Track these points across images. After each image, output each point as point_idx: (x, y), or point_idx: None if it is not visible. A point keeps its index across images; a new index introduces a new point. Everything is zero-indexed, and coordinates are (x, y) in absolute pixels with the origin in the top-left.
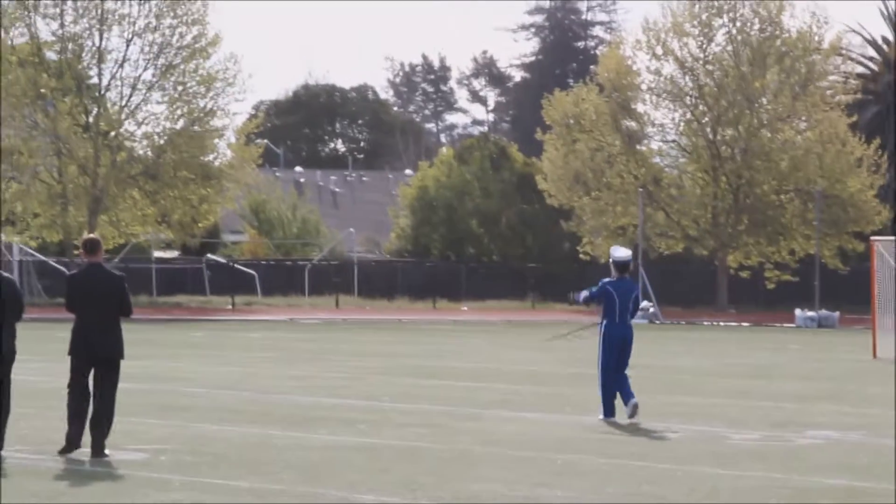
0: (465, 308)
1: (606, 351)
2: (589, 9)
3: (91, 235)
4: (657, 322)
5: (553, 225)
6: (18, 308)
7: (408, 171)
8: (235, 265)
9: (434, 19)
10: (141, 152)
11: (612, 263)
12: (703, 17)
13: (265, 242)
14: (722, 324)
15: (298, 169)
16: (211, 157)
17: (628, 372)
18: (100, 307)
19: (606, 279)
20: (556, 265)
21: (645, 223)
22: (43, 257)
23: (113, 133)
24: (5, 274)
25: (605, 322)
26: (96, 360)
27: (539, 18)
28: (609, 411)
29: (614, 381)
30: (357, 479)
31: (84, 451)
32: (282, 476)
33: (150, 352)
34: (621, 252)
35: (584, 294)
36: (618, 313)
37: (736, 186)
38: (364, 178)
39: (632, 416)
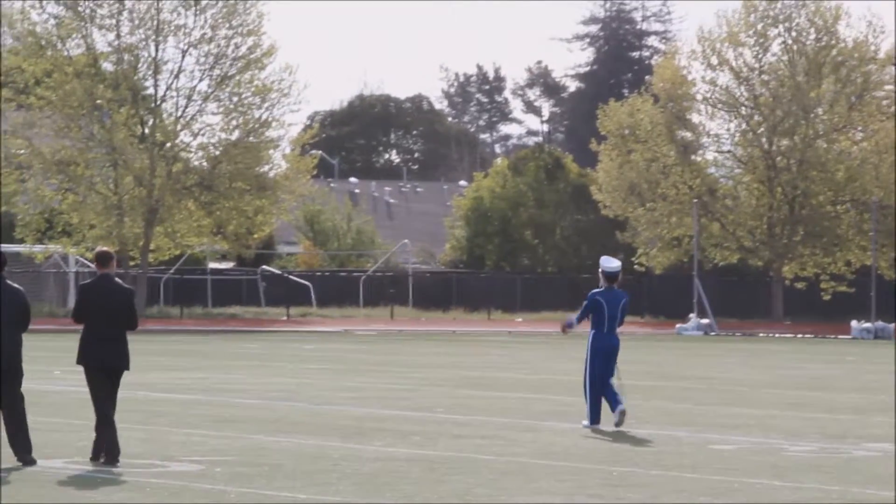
0: (520, 319)
1: (594, 360)
2: (644, 18)
3: (103, 248)
4: (713, 333)
5: (608, 236)
6: (25, 318)
7: (462, 182)
8: (290, 276)
9: (489, 29)
10: (196, 163)
11: (602, 274)
12: (759, 26)
13: (320, 253)
14: (777, 335)
15: (353, 180)
16: (266, 167)
17: (618, 382)
18: (108, 318)
19: (595, 290)
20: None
21: (700, 234)
22: None
23: (168, 144)
24: (13, 284)
25: (593, 332)
26: (103, 368)
27: (594, 28)
28: (595, 418)
29: (600, 389)
30: (412, 491)
31: (130, 461)
32: (337, 487)
33: (205, 363)
34: (612, 263)
35: (577, 316)
36: (606, 323)
37: (791, 197)
38: (419, 189)
39: (618, 423)
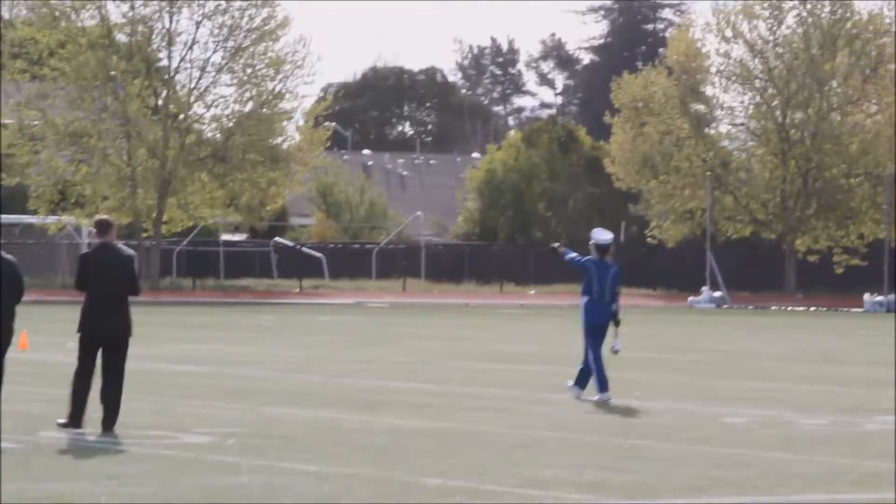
0: (533, 292)
1: (585, 332)
2: None
3: (103, 216)
4: (725, 306)
5: (621, 208)
6: (18, 290)
7: (475, 155)
8: (303, 248)
9: (503, 2)
10: (210, 135)
11: (594, 246)
12: None
13: (333, 226)
14: (790, 308)
15: (366, 152)
16: (279, 139)
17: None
18: (109, 286)
19: (588, 257)
20: (623, 248)
21: (713, 207)
22: None
23: (182, 116)
24: (7, 256)
25: (585, 299)
26: (104, 337)
27: (608, 1)
28: (603, 387)
29: (593, 363)
30: (425, 463)
31: (143, 433)
32: (349, 459)
33: (218, 335)
34: (603, 235)
35: (572, 255)
36: (595, 291)
37: (805, 170)
38: (432, 162)
39: (587, 397)
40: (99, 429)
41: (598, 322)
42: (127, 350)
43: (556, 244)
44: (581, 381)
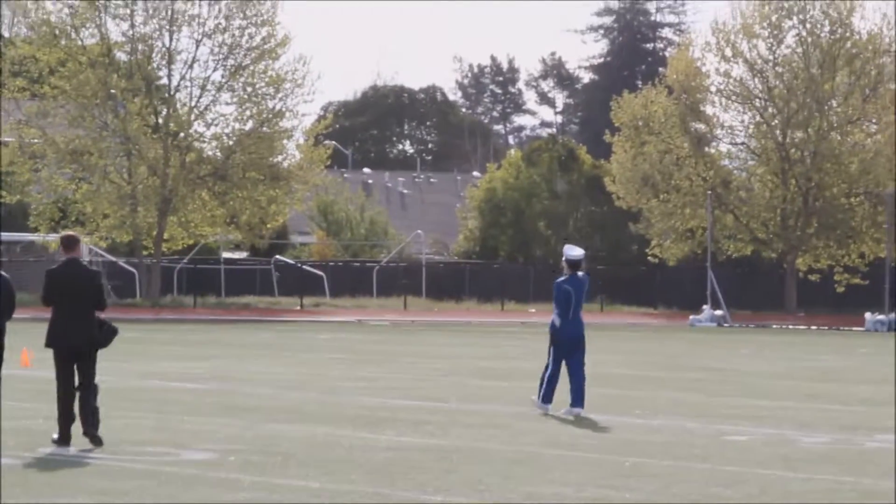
0: (533, 310)
1: (558, 348)
2: (658, 10)
3: (69, 232)
4: (726, 325)
5: (621, 227)
6: (10, 306)
7: (476, 173)
8: (304, 266)
9: (503, 21)
10: (210, 153)
11: (566, 262)
12: (773, 18)
13: (333, 244)
14: (791, 327)
15: (366, 170)
16: (279, 158)
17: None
18: (75, 301)
19: (560, 278)
20: (624, 267)
21: (714, 226)
22: (113, 258)
23: (182, 134)
24: (0, 272)
25: (559, 320)
26: (72, 351)
27: (608, 20)
28: (548, 399)
29: (571, 376)
30: (425, 480)
31: (143, 449)
32: (350, 476)
33: (218, 352)
34: (575, 251)
35: (557, 314)
36: (572, 310)
37: (805, 189)
38: (432, 180)
39: (567, 414)
40: (87, 444)
41: (577, 335)
42: (95, 362)
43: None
44: (547, 397)
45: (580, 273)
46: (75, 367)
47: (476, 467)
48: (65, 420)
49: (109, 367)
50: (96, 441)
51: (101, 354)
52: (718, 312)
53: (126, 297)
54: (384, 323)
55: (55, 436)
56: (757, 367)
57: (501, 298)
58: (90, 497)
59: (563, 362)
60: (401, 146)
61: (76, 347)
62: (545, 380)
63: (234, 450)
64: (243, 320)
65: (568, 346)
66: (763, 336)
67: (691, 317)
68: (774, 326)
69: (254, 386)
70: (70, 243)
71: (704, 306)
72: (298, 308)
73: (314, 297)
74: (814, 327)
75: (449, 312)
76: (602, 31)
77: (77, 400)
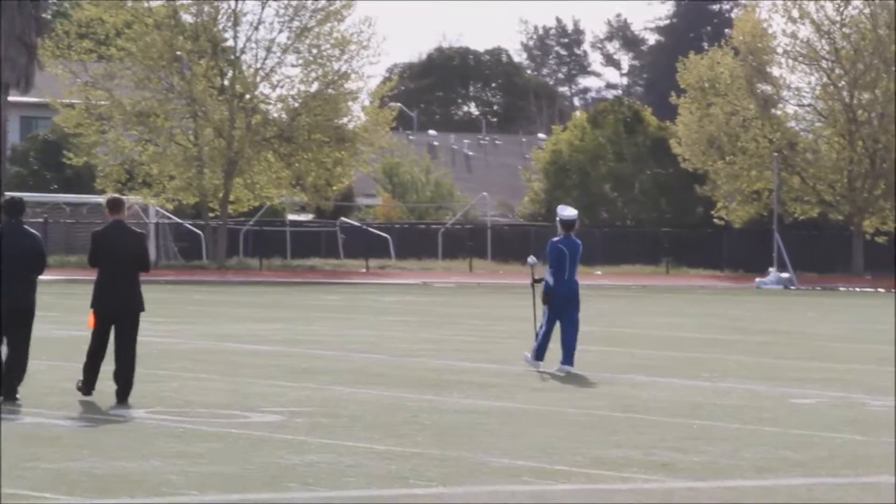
0: (599, 272)
1: (552, 307)
2: None
3: (114, 194)
4: (792, 288)
5: (687, 189)
6: (40, 263)
7: (541, 135)
8: (369, 228)
9: None
10: (276, 115)
11: (560, 222)
12: None
13: (399, 206)
14: (858, 289)
15: (432, 132)
16: (345, 120)
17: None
18: (121, 263)
19: (554, 238)
20: (690, 230)
21: (780, 188)
22: (179, 220)
23: (248, 96)
24: (30, 229)
25: (553, 279)
26: (116, 313)
27: None
28: (539, 356)
29: (563, 334)
30: (491, 443)
31: (213, 411)
32: (416, 438)
33: (285, 315)
34: (569, 212)
35: (548, 269)
36: (567, 269)
37: (873, 150)
38: (497, 142)
39: (559, 371)
40: (168, 406)
41: (570, 294)
42: (137, 325)
43: (530, 259)
44: (539, 354)
45: (573, 235)
46: (113, 327)
47: (543, 430)
48: (91, 373)
49: (177, 329)
50: (125, 401)
51: (171, 316)
52: (785, 275)
53: (192, 259)
54: (450, 285)
55: (80, 382)
56: (824, 329)
57: None
58: (164, 459)
59: (557, 321)
60: (466, 108)
61: (119, 309)
62: (539, 337)
63: (301, 412)
64: (309, 282)
65: (561, 305)
66: (830, 299)
67: (757, 279)
68: (841, 289)
69: (321, 348)
70: (115, 205)
71: (771, 269)
72: (364, 270)
73: (380, 260)
74: (881, 290)
75: (514, 275)
76: None
77: (116, 361)
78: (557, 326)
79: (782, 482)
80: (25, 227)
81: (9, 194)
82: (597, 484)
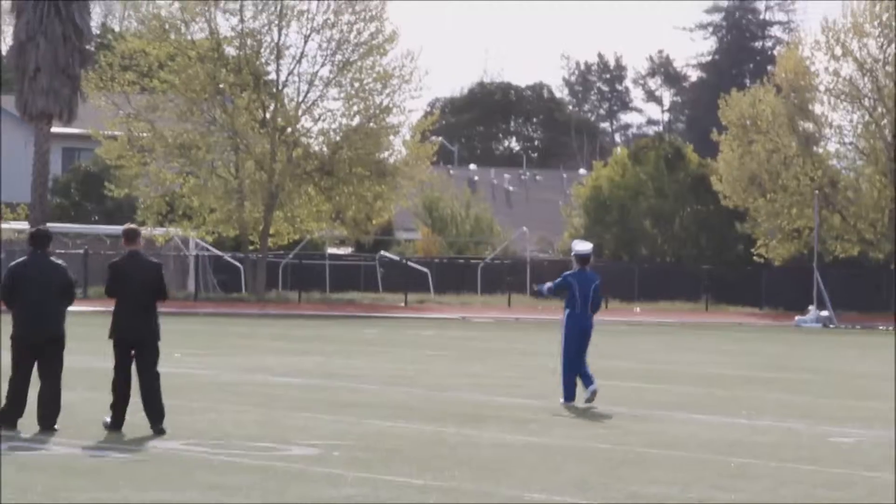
0: (638, 309)
1: (568, 340)
2: (767, 8)
3: (131, 225)
4: (832, 326)
5: (727, 226)
6: (69, 294)
7: (582, 171)
8: (408, 263)
9: (610, 18)
10: (317, 148)
11: (574, 256)
12: (884, 17)
13: (438, 240)
14: None
15: (472, 167)
16: (386, 154)
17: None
18: (138, 293)
19: (568, 272)
20: (729, 267)
21: (821, 226)
22: (219, 252)
23: (289, 129)
24: (56, 261)
25: (567, 312)
26: (133, 342)
27: (716, 17)
28: (569, 396)
29: (576, 367)
30: (529, 478)
31: (249, 444)
32: (454, 473)
33: (323, 348)
34: (583, 246)
35: (549, 285)
36: (578, 303)
37: None
38: (538, 177)
39: (589, 400)
40: (204, 439)
41: (583, 329)
42: (157, 353)
43: (535, 287)
44: (587, 384)
45: (588, 269)
46: (133, 356)
47: (580, 466)
48: (120, 405)
49: (216, 361)
50: (159, 431)
51: (209, 348)
52: (824, 313)
53: (232, 291)
54: (488, 320)
55: (107, 419)
56: (864, 368)
57: (606, 297)
58: (201, 492)
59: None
60: (507, 143)
61: (137, 338)
62: (563, 375)
63: (339, 445)
64: (348, 316)
65: (577, 336)
66: (869, 337)
67: (797, 317)
68: (881, 328)
69: (359, 382)
70: (131, 236)
71: (810, 307)
72: (402, 304)
73: (419, 294)
74: None
75: (553, 311)
76: (710, 29)
77: (141, 390)
78: None
79: None
80: (52, 258)
81: (37, 227)
82: None
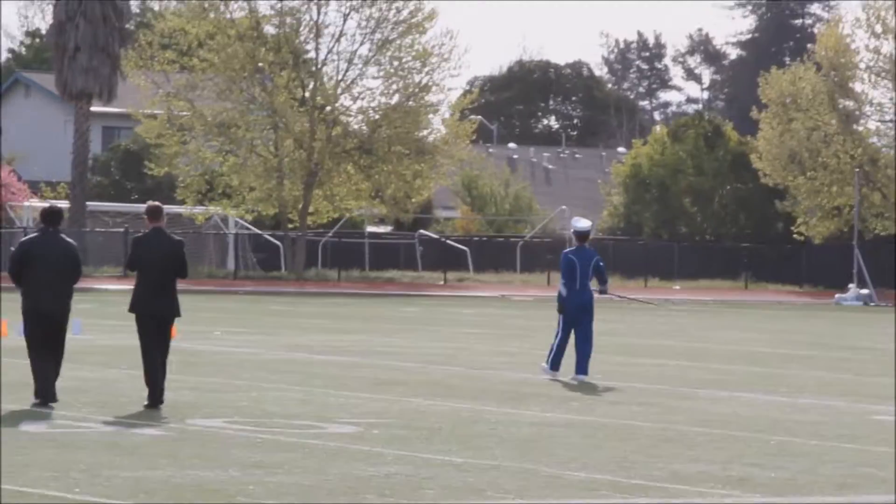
0: (678, 287)
1: (566, 317)
2: None
3: (154, 202)
4: (872, 304)
5: (767, 204)
6: (76, 272)
7: (621, 149)
8: (448, 241)
9: None
10: (356, 127)
11: (574, 233)
12: None
13: (477, 219)
14: None
15: (511, 145)
16: (425, 132)
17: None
18: (159, 269)
19: (567, 249)
20: (769, 245)
21: (861, 204)
22: (258, 231)
23: (329, 107)
24: (66, 238)
25: (565, 290)
26: (152, 317)
27: None
28: (555, 366)
29: (577, 345)
30: (569, 456)
31: (288, 422)
32: (494, 451)
33: (363, 326)
34: (582, 223)
35: (562, 285)
36: (578, 280)
37: None
38: (577, 156)
39: (572, 380)
40: (245, 416)
41: (583, 304)
42: (171, 331)
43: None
44: (555, 364)
45: (587, 245)
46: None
47: (621, 444)
48: (153, 383)
49: (256, 339)
50: (155, 404)
51: (249, 327)
52: (864, 291)
53: (271, 269)
54: (528, 299)
55: (146, 402)
56: None
57: (645, 275)
58: (242, 469)
59: (572, 330)
60: (546, 121)
61: (156, 313)
62: (554, 347)
63: (378, 423)
64: (387, 294)
65: (574, 315)
66: None
67: (837, 295)
68: None
69: (399, 360)
70: (154, 213)
71: (850, 285)
72: (442, 283)
73: (458, 272)
74: None
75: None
76: (750, 7)
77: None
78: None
79: (861, 499)
80: (62, 235)
81: (49, 202)
82: (674, 498)
